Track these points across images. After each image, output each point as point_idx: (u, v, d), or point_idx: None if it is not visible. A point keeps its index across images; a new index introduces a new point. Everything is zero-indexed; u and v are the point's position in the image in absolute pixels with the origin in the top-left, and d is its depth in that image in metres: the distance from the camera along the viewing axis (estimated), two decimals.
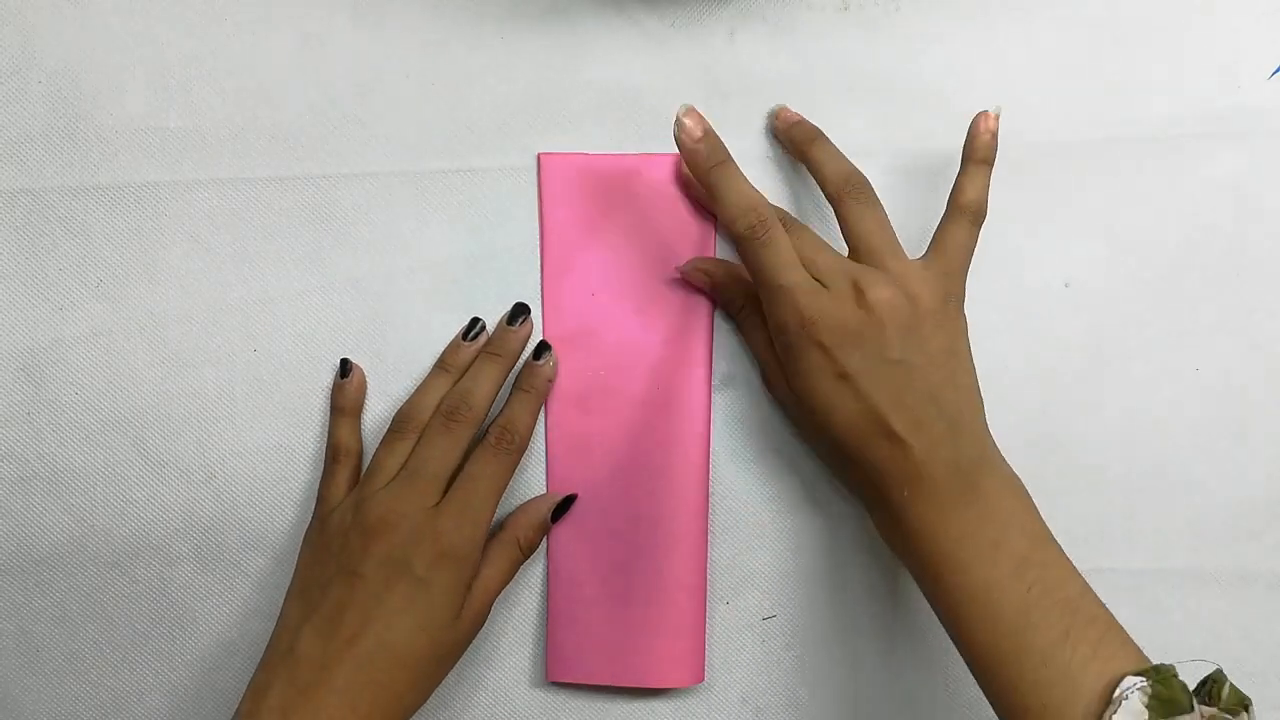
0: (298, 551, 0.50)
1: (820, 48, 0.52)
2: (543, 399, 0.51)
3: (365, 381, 0.52)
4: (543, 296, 0.52)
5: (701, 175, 0.48)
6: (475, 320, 0.52)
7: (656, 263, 0.52)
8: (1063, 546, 0.52)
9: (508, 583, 0.50)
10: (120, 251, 0.53)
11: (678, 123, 0.47)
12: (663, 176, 0.52)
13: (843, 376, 0.45)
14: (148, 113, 0.52)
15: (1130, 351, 0.53)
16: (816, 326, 0.45)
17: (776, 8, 0.52)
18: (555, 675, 0.52)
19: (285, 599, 0.48)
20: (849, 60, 0.52)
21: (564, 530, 0.52)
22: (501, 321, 0.52)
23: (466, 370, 0.51)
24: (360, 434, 0.52)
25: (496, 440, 0.49)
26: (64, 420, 0.52)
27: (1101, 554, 0.53)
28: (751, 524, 0.53)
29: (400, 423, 0.50)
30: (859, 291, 0.45)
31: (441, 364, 0.52)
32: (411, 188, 0.53)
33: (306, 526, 0.51)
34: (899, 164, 0.52)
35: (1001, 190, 0.52)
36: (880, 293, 0.45)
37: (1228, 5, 0.52)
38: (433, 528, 0.47)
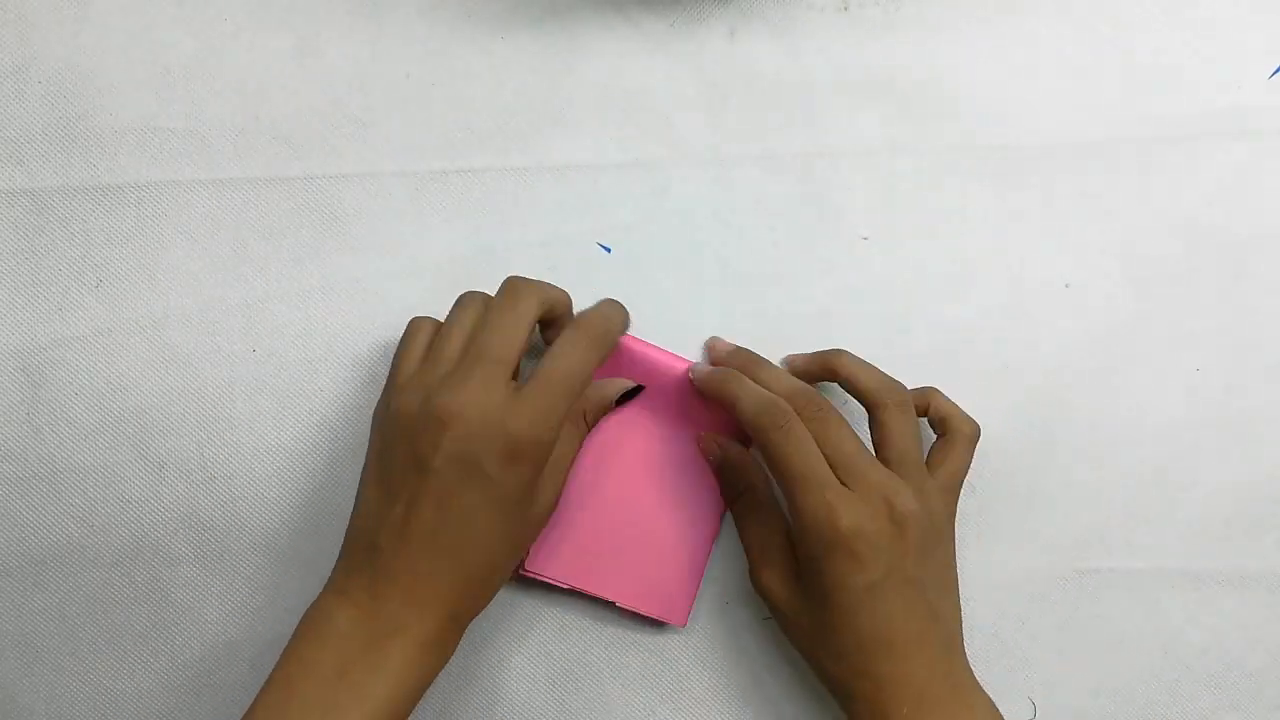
0: (298, 554, 0.50)
1: (820, 48, 0.52)
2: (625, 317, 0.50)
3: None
4: None
5: (715, 390, 0.49)
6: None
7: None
8: (1063, 547, 0.53)
9: (575, 456, 0.50)
10: (120, 251, 0.53)
11: (709, 350, 0.52)
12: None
13: (869, 589, 0.45)
14: (147, 113, 0.52)
15: (1130, 352, 0.53)
16: (854, 537, 0.45)
17: (776, 8, 0.52)
18: (533, 566, 0.51)
19: (362, 480, 0.47)
20: (849, 60, 0.52)
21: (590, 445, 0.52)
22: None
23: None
24: None
25: (586, 326, 0.47)
26: (64, 420, 0.52)
27: (1101, 554, 0.53)
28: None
29: (462, 294, 0.49)
30: (890, 505, 0.45)
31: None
32: (411, 188, 0.53)
33: (307, 529, 0.51)
34: (899, 164, 0.52)
35: (1001, 190, 0.52)
36: (909, 506, 0.45)
37: (1228, 5, 0.52)
38: (503, 429, 0.44)
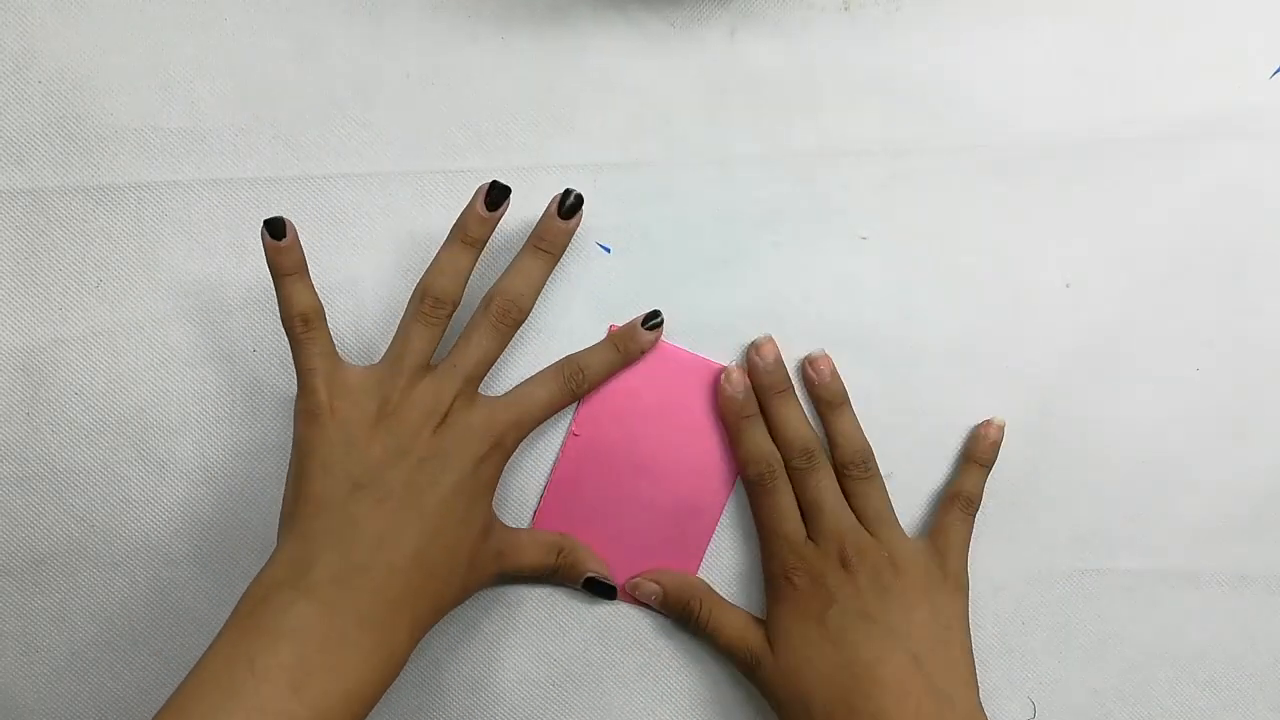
0: None
1: (821, 48, 0.52)
2: (630, 364, 0.52)
3: (299, 236, 0.47)
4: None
5: (731, 421, 0.51)
6: (496, 185, 0.48)
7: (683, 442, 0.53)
8: (1063, 547, 0.53)
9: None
10: (120, 251, 0.53)
11: (753, 349, 0.51)
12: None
13: (820, 623, 0.48)
14: (147, 113, 0.52)
15: (1130, 351, 0.52)
16: (797, 572, 0.49)
17: (777, 8, 0.52)
18: (543, 521, 0.53)
19: (281, 528, 0.46)
20: (850, 60, 0.52)
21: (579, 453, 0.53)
22: (549, 210, 0.50)
23: (482, 246, 0.49)
24: (315, 291, 0.48)
25: (565, 376, 0.50)
26: (64, 420, 0.53)
27: (1101, 554, 0.53)
28: (753, 528, 0.53)
29: (431, 303, 0.48)
30: (842, 549, 0.49)
31: (462, 235, 0.48)
32: (411, 188, 0.53)
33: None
34: (899, 164, 0.52)
35: (1001, 190, 0.52)
36: (861, 552, 0.49)
37: (1228, 5, 0.52)
38: (488, 419, 0.47)
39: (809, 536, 0.50)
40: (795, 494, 0.51)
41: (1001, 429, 0.51)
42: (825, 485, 0.50)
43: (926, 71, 0.52)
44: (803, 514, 0.50)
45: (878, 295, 0.53)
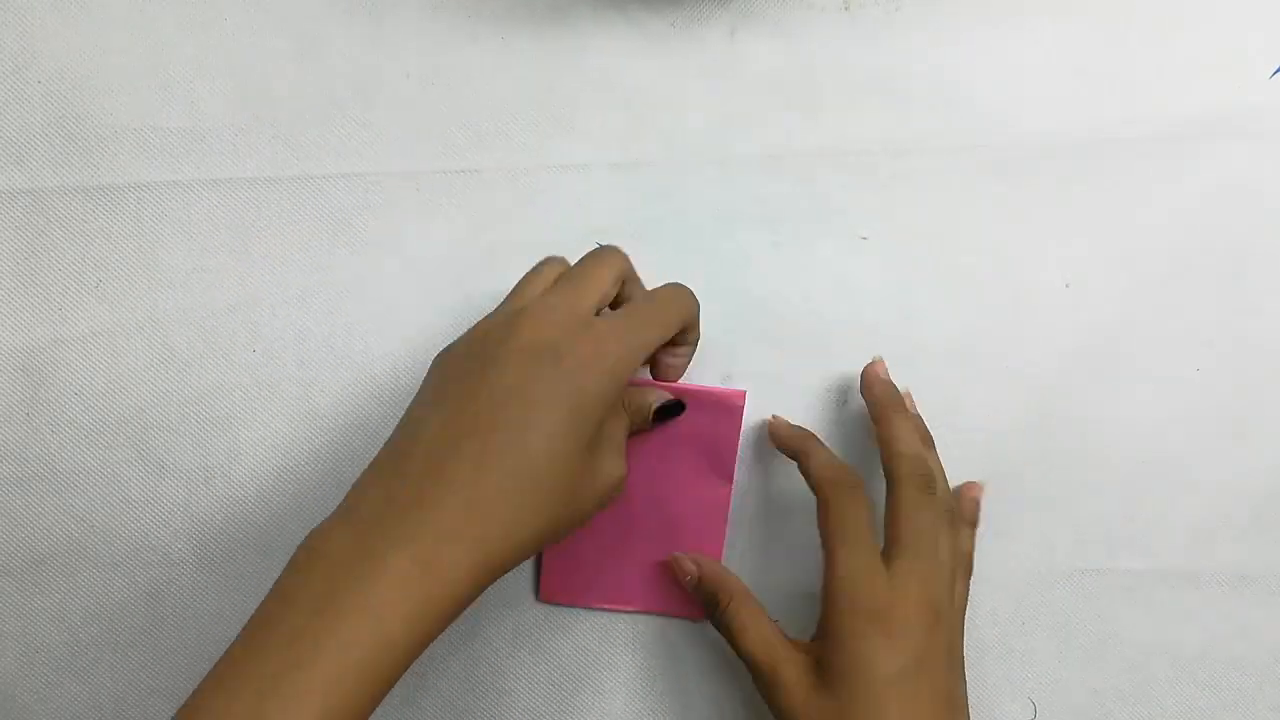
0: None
1: (821, 48, 0.52)
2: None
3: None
4: None
5: (792, 442, 0.49)
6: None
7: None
8: (1063, 547, 0.53)
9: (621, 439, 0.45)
10: (120, 251, 0.53)
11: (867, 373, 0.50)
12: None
13: (899, 675, 0.42)
14: (147, 113, 0.52)
15: (1130, 351, 0.52)
16: (890, 609, 0.43)
17: (777, 8, 0.52)
18: (547, 595, 0.52)
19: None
20: (850, 60, 0.52)
21: None
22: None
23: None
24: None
25: (661, 299, 0.46)
26: (64, 420, 0.52)
27: (1101, 554, 0.53)
28: (754, 532, 0.53)
29: (543, 260, 0.47)
30: (928, 590, 0.44)
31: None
32: (411, 188, 0.53)
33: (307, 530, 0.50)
34: (899, 164, 0.52)
35: (1001, 190, 0.52)
36: (944, 596, 0.44)
37: (1228, 5, 0.52)
38: (591, 327, 0.41)
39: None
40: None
41: (982, 489, 0.51)
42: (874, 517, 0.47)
43: (926, 71, 0.52)
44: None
45: (878, 295, 0.53)
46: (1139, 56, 0.52)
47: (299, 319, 0.53)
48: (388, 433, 0.52)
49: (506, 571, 0.39)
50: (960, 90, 0.52)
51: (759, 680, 0.45)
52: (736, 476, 0.52)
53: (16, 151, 0.52)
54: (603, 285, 0.44)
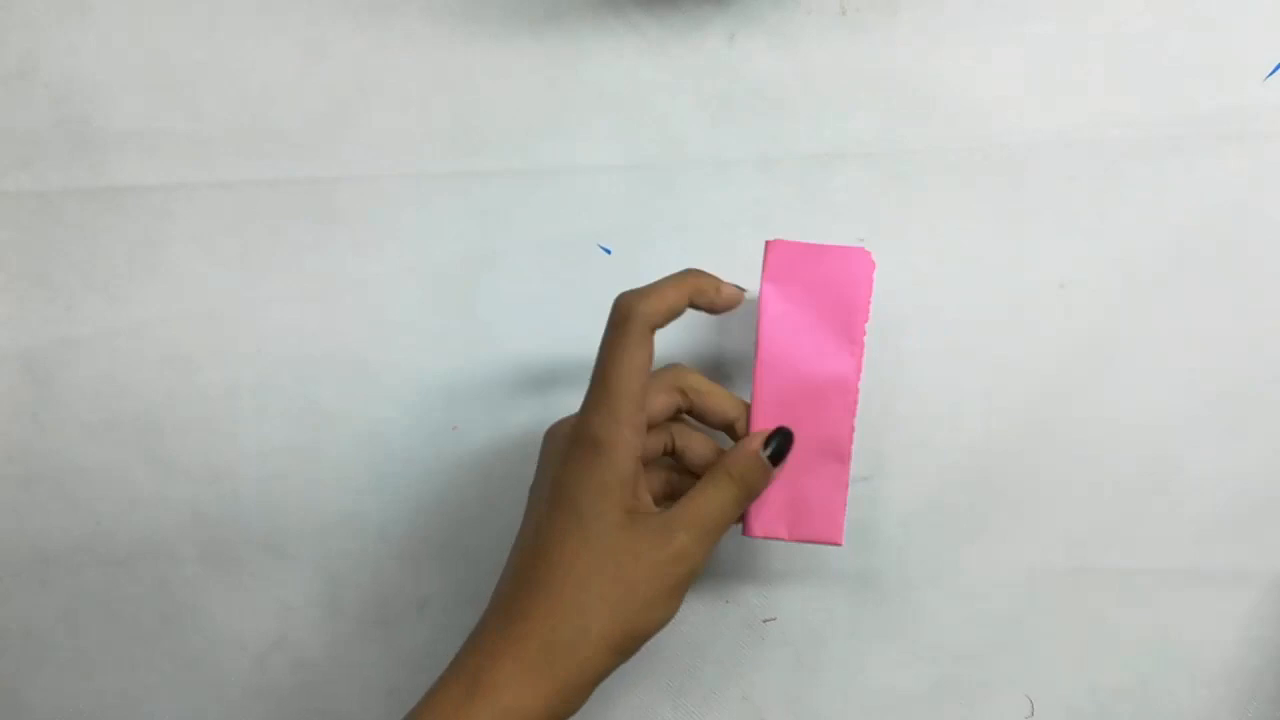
0: (303, 553, 0.51)
1: (819, 51, 0.52)
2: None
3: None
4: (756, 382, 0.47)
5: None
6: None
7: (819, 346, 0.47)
8: (1063, 547, 0.53)
9: (722, 521, 0.44)
10: (125, 253, 0.53)
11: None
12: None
13: None
14: (152, 116, 0.53)
15: (1128, 352, 0.52)
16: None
17: (775, 12, 0.52)
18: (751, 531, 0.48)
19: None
20: (847, 64, 0.52)
21: None
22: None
23: None
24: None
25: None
26: (70, 420, 0.53)
27: (1101, 554, 0.53)
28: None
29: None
30: None
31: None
32: (412, 190, 0.53)
33: (312, 528, 0.51)
34: (898, 164, 0.52)
35: (999, 190, 0.52)
36: None
37: (1227, 5, 0.52)
38: (578, 430, 0.43)
39: None
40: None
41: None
42: None
43: (924, 74, 0.52)
44: None
45: (877, 295, 0.53)
46: (1139, 57, 0.52)
47: (302, 319, 0.53)
48: (388, 432, 0.53)
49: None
50: (959, 91, 0.52)
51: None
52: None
53: (23, 154, 0.53)
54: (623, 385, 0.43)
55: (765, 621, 0.53)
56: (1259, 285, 0.52)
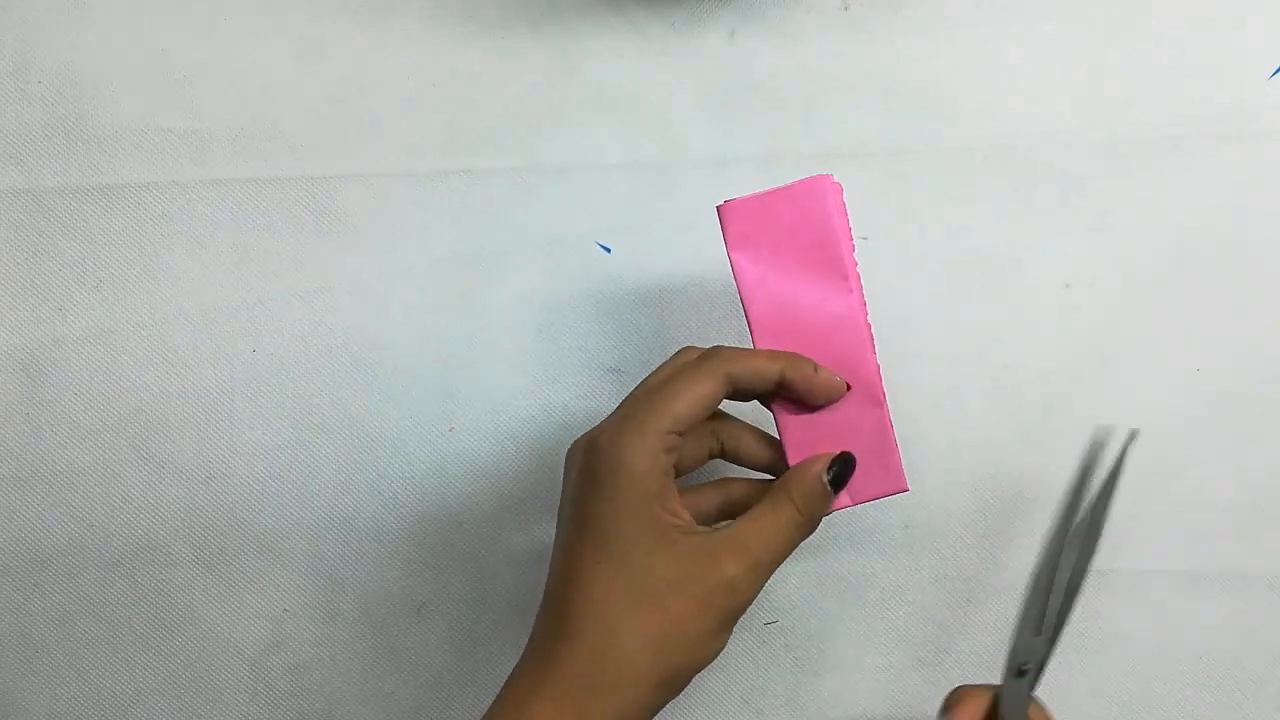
0: (299, 554, 0.51)
1: (820, 48, 0.52)
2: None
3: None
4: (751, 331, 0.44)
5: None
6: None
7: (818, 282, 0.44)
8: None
9: (781, 551, 0.40)
10: (120, 252, 0.53)
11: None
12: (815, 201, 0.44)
13: None
14: (148, 113, 0.52)
15: (1130, 352, 0.52)
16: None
17: (776, 9, 0.52)
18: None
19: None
20: (849, 61, 0.52)
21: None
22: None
23: None
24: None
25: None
26: (64, 420, 0.52)
27: (1102, 554, 0.52)
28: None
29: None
30: None
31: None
32: (411, 188, 0.53)
33: (307, 530, 0.51)
34: (899, 164, 0.52)
35: (1001, 190, 0.52)
36: None
37: (1228, 6, 0.52)
38: (594, 440, 0.40)
39: None
40: None
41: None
42: None
43: (926, 72, 0.52)
44: None
45: (878, 295, 0.53)
46: (1139, 57, 0.52)
47: (299, 319, 0.53)
48: (386, 432, 0.53)
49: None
50: (960, 90, 0.52)
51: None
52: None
53: (17, 151, 0.52)
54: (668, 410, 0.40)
55: (766, 624, 0.53)
56: (1260, 285, 0.52)
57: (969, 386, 0.52)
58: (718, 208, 0.43)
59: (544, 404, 0.53)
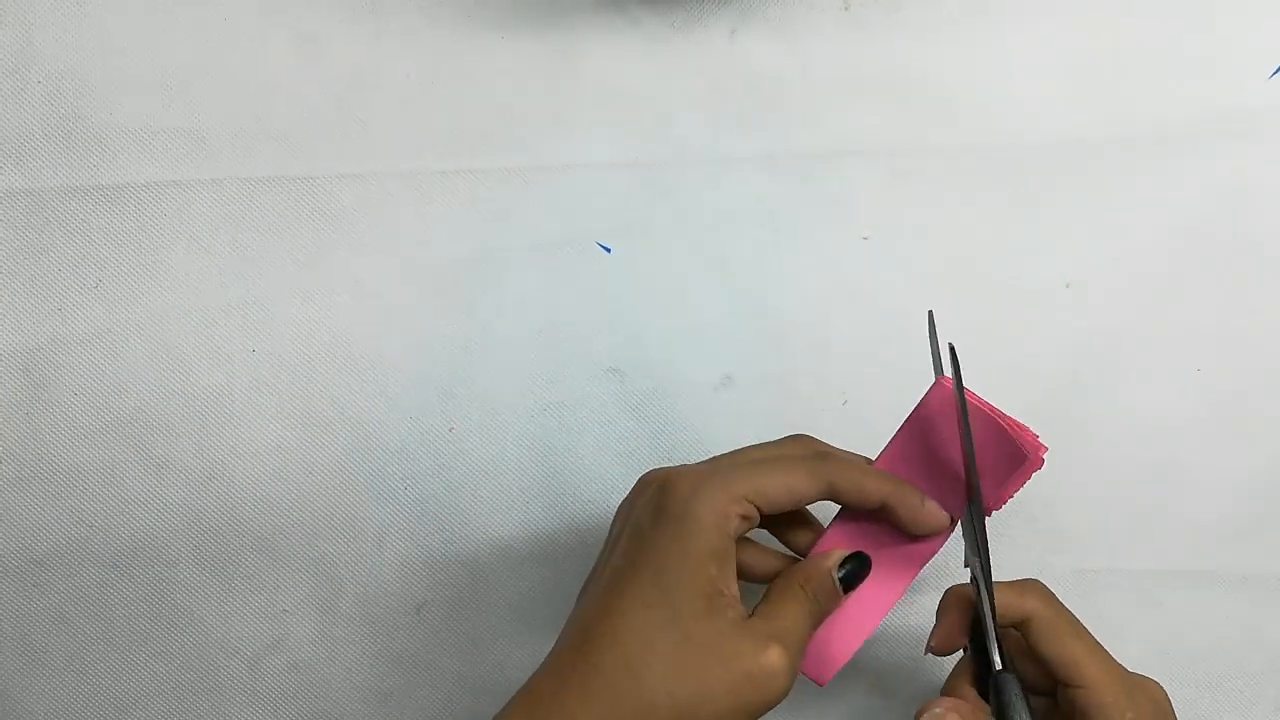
0: (298, 554, 0.51)
1: (821, 47, 0.52)
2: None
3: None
4: None
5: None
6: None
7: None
8: (1063, 547, 0.53)
9: (803, 640, 0.39)
10: (120, 251, 0.53)
11: None
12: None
13: None
14: (147, 113, 0.52)
15: (1130, 352, 0.52)
16: None
17: (777, 8, 0.52)
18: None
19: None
20: (850, 60, 0.52)
21: None
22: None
23: None
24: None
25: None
26: (63, 420, 0.52)
27: (1102, 554, 0.53)
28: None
29: None
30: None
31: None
32: (411, 188, 0.53)
33: (307, 530, 0.51)
34: (899, 164, 0.52)
35: (1001, 190, 0.52)
36: None
37: (1228, 5, 0.52)
38: (671, 477, 0.39)
39: None
40: None
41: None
42: None
43: (927, 71, 0.52)
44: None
45: (878, 295, 0.53)
46: (1139, 56, 0.52)
47: (299, 319, 0.53)
48: (386, 432, 0.53)
49: None
50: (960, 90, 0.52)
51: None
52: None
53: (16, 151, 0.52)
54: (756, 486, 0.39)
55: None
56: (1260, 285, 0.52)
57: (972, 387, 0.52)
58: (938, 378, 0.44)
59: (544, 404, 0.53)
